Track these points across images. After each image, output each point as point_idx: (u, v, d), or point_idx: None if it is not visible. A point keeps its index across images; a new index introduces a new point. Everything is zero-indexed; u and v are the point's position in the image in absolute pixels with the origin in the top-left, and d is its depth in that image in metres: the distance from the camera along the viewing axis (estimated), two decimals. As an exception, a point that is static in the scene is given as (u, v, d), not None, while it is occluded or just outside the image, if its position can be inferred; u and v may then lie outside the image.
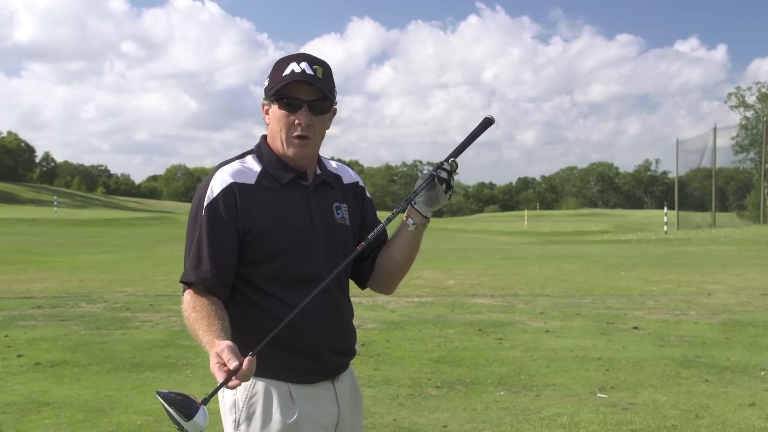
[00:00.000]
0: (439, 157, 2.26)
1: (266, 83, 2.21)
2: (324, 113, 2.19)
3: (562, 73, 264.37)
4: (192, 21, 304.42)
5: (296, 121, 2.15)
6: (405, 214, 2.25)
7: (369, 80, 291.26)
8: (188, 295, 2.12)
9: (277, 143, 2.21)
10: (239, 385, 1.88)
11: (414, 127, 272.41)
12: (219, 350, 1.89)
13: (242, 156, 2.25)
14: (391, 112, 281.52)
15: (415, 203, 2.21)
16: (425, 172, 2.19)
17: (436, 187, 2.17)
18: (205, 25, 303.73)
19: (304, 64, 2.14)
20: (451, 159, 2.20)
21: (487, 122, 2.28)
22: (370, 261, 2.36)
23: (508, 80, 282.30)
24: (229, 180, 2.14)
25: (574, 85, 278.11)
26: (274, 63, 2.22)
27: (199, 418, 1.86)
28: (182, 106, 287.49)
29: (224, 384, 1.85)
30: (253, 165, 2.21)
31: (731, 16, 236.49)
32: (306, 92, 2.14)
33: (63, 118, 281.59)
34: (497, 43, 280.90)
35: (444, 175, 2.17)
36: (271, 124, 2.21)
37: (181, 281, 2.15)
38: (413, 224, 2.24)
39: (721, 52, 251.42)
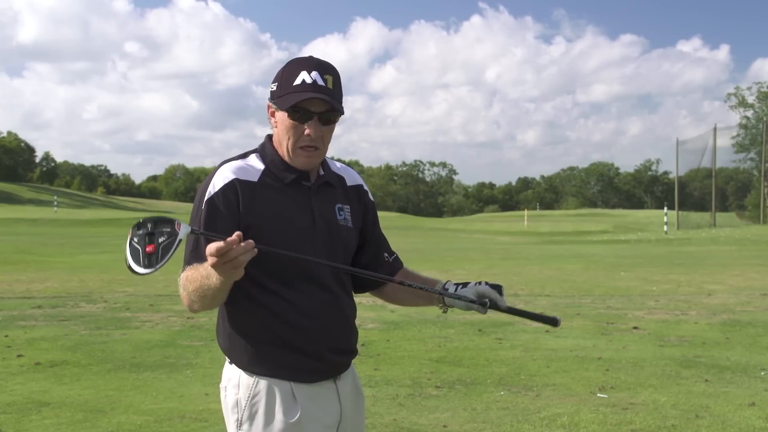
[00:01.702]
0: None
1: (274, 87, 2.17)
2: (332, 123, 2.18)
3: (564, 73, 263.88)
4: (195, 21, 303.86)
5: (306, 132, 2.14)
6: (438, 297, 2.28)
7: (371, 80, 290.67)
8: (182, 273, 2.09)
9: (284, 150, 2.20)
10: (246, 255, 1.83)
11: (415, 127, 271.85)
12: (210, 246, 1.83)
13: (245, 155, 2.24)
14: (393, 112, 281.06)
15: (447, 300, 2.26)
16: (476, 296, 2.20)
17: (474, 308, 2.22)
18: (208, 25, 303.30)
19: (315, 74, 2.12)
20: (507, 310, 2.23)
21: (553, 321, 2.28)
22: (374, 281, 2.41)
23: (510, 80, 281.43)
24: (231, 176, 2.14)
25: (576, 85, 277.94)
26: (282, 65, 2.20)
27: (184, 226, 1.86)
28: (184, 106, 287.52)
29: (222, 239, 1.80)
30: (256, 163, 2.21)
31: (734, 16, 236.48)
32: (317, 104, 2.12)
33: (65, 118, 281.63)
34: (500, 43, 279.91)
35: (485, 313, 2.22)
36: (278, 131, 2.20)
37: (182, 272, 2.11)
38: (441, 308, 2.28)
39: (723, 52, 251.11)
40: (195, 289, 2.01)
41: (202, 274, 1.96)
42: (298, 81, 2.12)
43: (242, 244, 1.80)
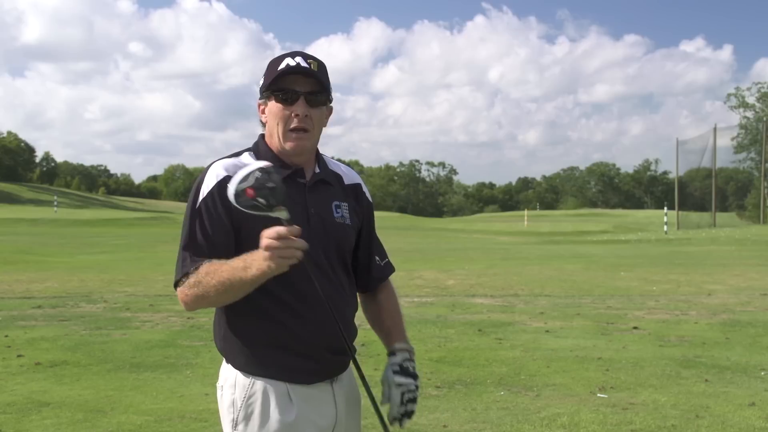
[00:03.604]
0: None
1: (261, 82, 2.20)
2: (321, 105, 2.18)
3: (567, 73, 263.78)
4: (199, 22, 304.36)
5: (293, 114, 2.14)
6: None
7: (374, 80, 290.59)
8: (190, 277, 2.06)
9: (275, 139, 2.19)
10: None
11: (417, 127, 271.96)
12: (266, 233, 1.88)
13: (238, 153, 2.23)
14: (395, 112, 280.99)
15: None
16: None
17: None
18: (212, 25, 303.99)
19: (298, 59, 2.14)
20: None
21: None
22: (375, 281, 2.43)
23: (513, 80, 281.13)
24: (223, 173, 2.12)
25: (578, 85, 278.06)
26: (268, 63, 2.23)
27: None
28: (186, 106, 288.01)
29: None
30: (249, 161, 2.18)
31: (737, 16, 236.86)
32: (302, 84, 2.13)
33: (67, 119, 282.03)
34: (503, 44, 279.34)
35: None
36: (268, 121, 2.20)
37: (187, 272, 2.07)
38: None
39: (727, 52, 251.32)
40: (221, 281, 1.98)
41: (237, 266, 1.96)
42: (282, 65, 2.14)
43: (301, 240, 1.87)
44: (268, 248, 1.86)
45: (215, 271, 2.00)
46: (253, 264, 1.91)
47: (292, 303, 2.13)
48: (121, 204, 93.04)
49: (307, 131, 2.16)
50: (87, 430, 4.99)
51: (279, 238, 1.85)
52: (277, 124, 2.16)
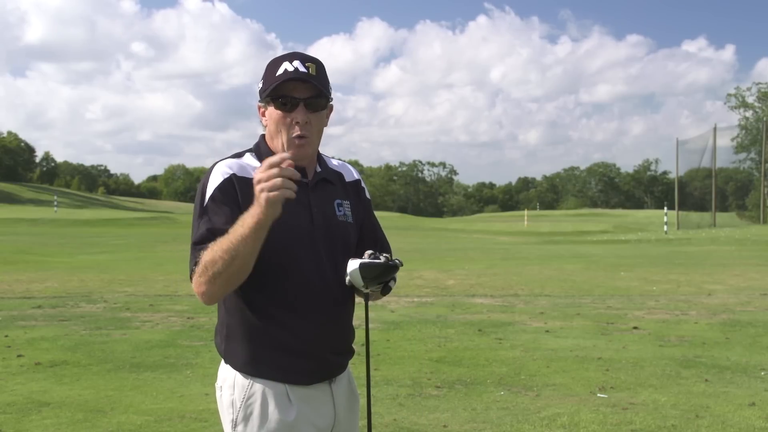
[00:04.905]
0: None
1: (260, 84, 2.20)
2: (320, 110, 2.18)
3: (569, 73, 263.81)
4: (202, 22, 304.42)
5: (293, 121, 2.14)
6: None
7: (375, 80, 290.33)
8: (201, 258, 2.01)
9: (277, 144, 2.19)
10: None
11: (418, 126, 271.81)
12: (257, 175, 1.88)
13: (240, 154, 2.23)
14: (396, 112, 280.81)
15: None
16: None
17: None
18: (214, 25, 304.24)
19: (296, 63, 2.13)
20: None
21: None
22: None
23: (514, 80, 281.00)
24: (229, 171, 2.13)
25: (579, 85, 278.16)
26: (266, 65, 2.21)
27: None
28: (187, 106, 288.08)
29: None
30: (251, 161, 2.19)
31: (739, 16, 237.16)
32: (301, 90, 2.12)
33: (68, 119, 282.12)
34: (505, 44, 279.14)
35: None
36: (268, 126, 2.20)
37: (197, 261, 2.02)
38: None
39: (729, 52, 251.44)
40: (225, 249, 1.93)
41: (235, 229, 1.92)
42: (280, 71, 2.13)
43: (290, 169, 1.87)
44: (257, 184, 1.85)
45: (217, 244, 1.96)
46: (246, 216, 1.89)
47: (293, 303, 2.13)
48: (121, 204, 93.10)
49: (307, 137, 2.16)
50: (87, 430, 5.00)
51: (267, 168, 1.84)
52: (279, 132, 2.16)
